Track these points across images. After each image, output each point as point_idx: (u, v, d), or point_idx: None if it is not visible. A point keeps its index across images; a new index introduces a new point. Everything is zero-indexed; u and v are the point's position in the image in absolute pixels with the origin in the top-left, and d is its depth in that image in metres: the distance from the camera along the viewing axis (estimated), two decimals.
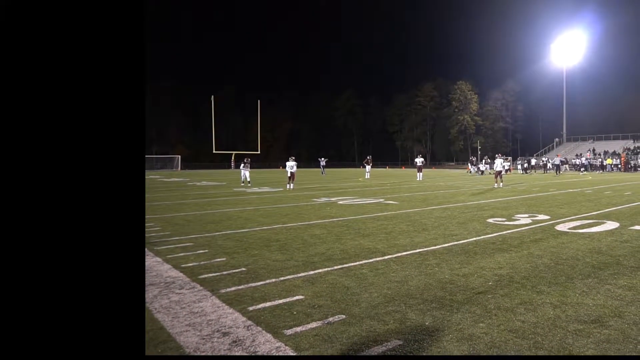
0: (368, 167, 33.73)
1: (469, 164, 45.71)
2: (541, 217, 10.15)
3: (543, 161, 49.27)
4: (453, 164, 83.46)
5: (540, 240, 7.24)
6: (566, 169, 42.85)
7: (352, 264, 5.77)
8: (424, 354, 3.18)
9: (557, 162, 41.91)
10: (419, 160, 30.89)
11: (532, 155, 64.57)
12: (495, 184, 21.65)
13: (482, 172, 40.95)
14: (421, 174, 29.94)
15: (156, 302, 4.31)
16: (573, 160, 51.96)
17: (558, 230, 8.23)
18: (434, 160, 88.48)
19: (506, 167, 42.69)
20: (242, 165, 24.88)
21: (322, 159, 45.69)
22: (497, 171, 22.44)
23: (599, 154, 55.66)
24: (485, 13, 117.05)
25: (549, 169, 45.28)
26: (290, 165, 21.47)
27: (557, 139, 70.15)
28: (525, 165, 46.17)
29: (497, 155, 24.32)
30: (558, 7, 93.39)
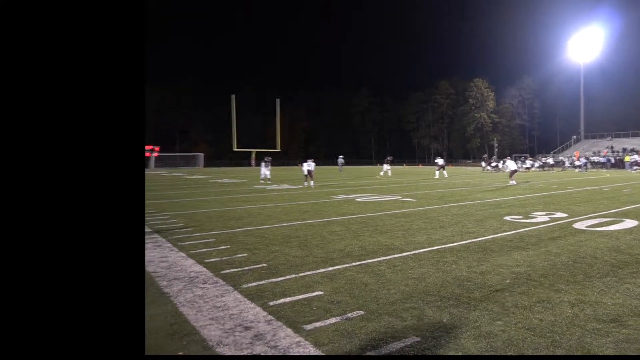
0: (386, 166, 33.54)
1: (482, 162, 45.13)
2: (559, 214, 9.97)
3: (563, 160, 48.39)
4: (470, 161, 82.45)
5: (558, 238, 7.12)
6: (587, 167, 41.88)
7: (370, 260, 5.76)
8: (442, 351, 3.15)
9: (582, 161, 41.14)
10: (440, 161, 30.97)
11: (550, 153, 63.45)
12: (511, 181, 21.44)
13: (499, 169, 40.40)
14: (443, 171, 29.85)
15: (181, 296, 4.37)
16: (592, 158, 50.87)
17: (576, 228, 8.08)
18: (451, 157, 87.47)
19: (527, 166, 42.12)
20: (263, 163, 24.98)
21: (341, 156, 45.64)
22: (512, 170, 22.40)
23: (617, 151, 54.43)
24: (502, 10, 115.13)
25: (568, 166, 44.42)
26: (308, 164, 21.52)
27: (574, 136, 68.79)
28: (544, 162, 45.36)
29: (508, 158, 24.52)
30: (575, 3, 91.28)
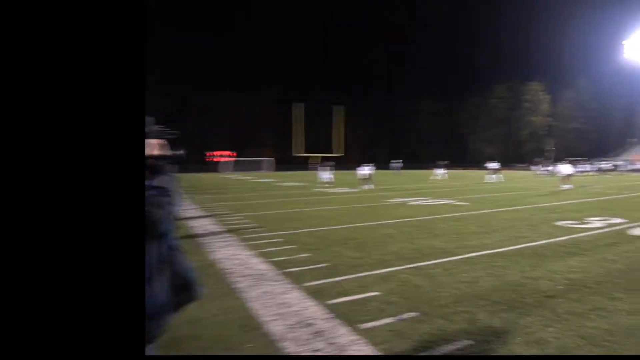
0: (442, 170, 32.64)
1: (538, 166, 42.66)
2: (615, 220, 9.26)
3: (620, 164, 44.86)
4: (524, 165, 78.42)
5: (614, 245, 6.61)
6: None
7: (423, 263, 5.64)
8: (493, 355, 3.03)
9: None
10: (494, 165, 29.51)
11: (606, 156, 58.99)
12: (565, 186, 20.01)
13: (553, 173, 38.07)
14: (496, 176, 28.53)
15: (249, 292, 4.50)
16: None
17: (633, 235, 7.46)
18: (506, 162, 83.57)
19: (583, 169, 39.40)
20: (320, 167, 25.13)
21: (398, 160, 45.00)
22: (567, 174, 20.97)
23: None
24: (557, 12, 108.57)
25: (627, 170, 41.10)
26: (363, 169, 21.64)
27: (634, 139, 63.46)
28: (601, 166, 42.21)
29: (563, 161, 23.00)
30: (631, 3, 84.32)
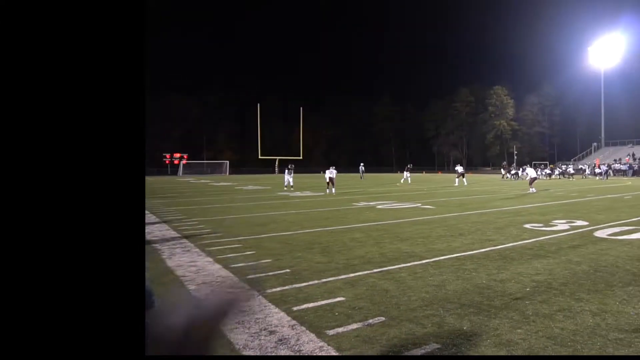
0: (407, 173, 33.41)
1: (502, 170, 44.36)
2: (579, 222, 9.75)
3: (582, 168, 47.24)
4: (489, 169, 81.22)
5: (578, 247, 6.96)
6: (609, 175, 40.67)
7: (391, 267, 5.73)
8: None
9: (603, 169, 40.15)
10: (460, 169, 30.64)
11: (570, 160, 62.03)
12: (531, 189, 20.90)
13: (518, 176, 39.63)
14: (463, 179, 29.56)
15: None
16: (614, 166, 49.48)
17: (597, 237, 7.89)
18: (470, 165, 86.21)
19: (547, 172, 41.24)
20: (287, 170, 25.13)
21: (362, 164, 45.60)
22: (532, 178, 21.94)
23: (639, 158, 52.90)
24: (522, 17, 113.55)
25: (589, 174, 43.35)
26: (330, 172, 21.72)
27: (595, 144, 67.11)
28: (564, 170, 44.28)
29: (528, 165, 24.05)
30: (595, 10, 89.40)
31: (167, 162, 66.98)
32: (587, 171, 45.99)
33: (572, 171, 42.58)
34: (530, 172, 22.71)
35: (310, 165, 73.14)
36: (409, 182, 32.05)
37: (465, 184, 28.88)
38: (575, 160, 62.36)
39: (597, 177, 40.46)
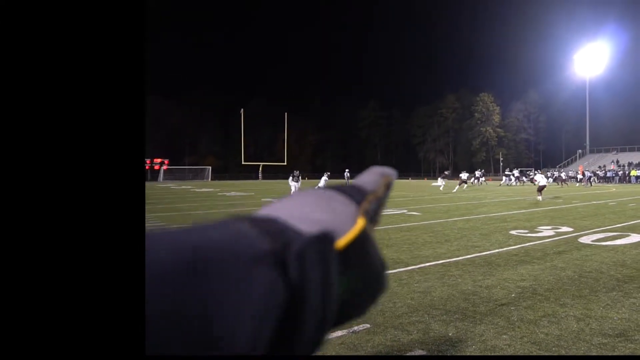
0: (442, 181, 33.68)
1: (504, 176, 45.10)
2: (564, 229, 9.92)
3: (568, 174, 48.11)
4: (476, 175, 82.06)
5: (563, 253, 7.08)
6: (592, 181, 41.34)
7: None
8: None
9: (587, 175, 40.84)
10: (464, 175, 32.25)
11: (555, 167, 63.09)
12: (539, 197, 19.49)
13: (523, 182, 39.86)
14: (460, 187, 30.34)
15: None
16: (598, 172, 50.45)
17: (581, 243, 8.03)
18: (456, 171, 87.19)
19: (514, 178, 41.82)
20: (291, 177, 24.60)
21: (347, 170, 45.76)
22: (541, 185, 20.07)
23: (623, 165, 54.08)
24: (508, 25, 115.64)
25: (579, 180, 44.06)
26: (324, 179, 22.56)
27: (580, 150, 68.46)
28: (555, 176, 44.87)
29: (537, 171, 24.12)
30: (581, 19, 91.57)
31: (146, 167, 66.29)
32: (579, 178, 46.68)
33: (564, 177, 42.57)
34: (540, 179, 20.64)
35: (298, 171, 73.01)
36: (441, 189, 31.39)
37: (441, 188, 29.23)
38: (560, 167, 63.42)
39: (577, 184, 40.81)
